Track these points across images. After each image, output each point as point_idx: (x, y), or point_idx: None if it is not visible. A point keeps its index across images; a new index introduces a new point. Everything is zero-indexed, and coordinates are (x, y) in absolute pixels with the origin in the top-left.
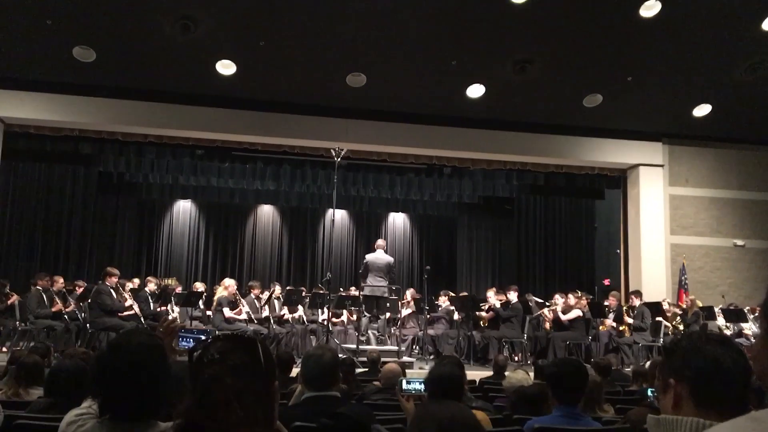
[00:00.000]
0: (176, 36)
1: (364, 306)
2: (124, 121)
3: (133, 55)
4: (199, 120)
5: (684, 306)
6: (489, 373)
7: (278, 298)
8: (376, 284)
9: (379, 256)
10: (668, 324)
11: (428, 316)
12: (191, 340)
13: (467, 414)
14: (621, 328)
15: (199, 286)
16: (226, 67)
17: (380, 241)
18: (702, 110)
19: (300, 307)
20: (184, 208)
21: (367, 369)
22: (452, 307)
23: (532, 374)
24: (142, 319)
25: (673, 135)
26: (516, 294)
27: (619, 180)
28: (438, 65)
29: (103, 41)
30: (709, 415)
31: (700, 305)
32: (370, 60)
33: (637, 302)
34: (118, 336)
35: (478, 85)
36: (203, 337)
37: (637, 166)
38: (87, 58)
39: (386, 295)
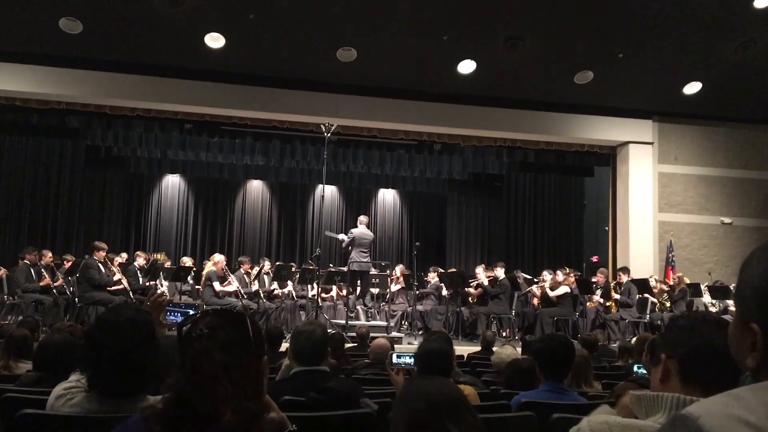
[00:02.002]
0: (165, 8)
1: (350, 281)
2: (112, 95)
3: (120, 27)
4: (187, 94)
5: (671, 283)
6: (477, 348)
7: (268, 274)
8: (362, 260)
9: (364, 232)
10: (655, 300)
11: (417, 292)
12: (179, 314)
13: (454, 389)
14: (608, 305)
15: (187, 261)
16: (214, 40)
17: (363, 218)
18: (692, 88)
19: (289, 283)
20: (172, 182)
21: (356, 344)
22: (441, 283)
23: (519, 349)
24: (131, 294)
25: (663, 113)
26: (503, 270)
27: (608, 157)
28: (429, 41)
29: (90, 13)
30: (694, 392)
31: (687, 282)
32: (361, 35)
33: (624, 279)
34: (107, 311)
35: (469, 61)
36: (191, 311)
37: (626, 143)
38: (74, 29)
39: (371, 270)
